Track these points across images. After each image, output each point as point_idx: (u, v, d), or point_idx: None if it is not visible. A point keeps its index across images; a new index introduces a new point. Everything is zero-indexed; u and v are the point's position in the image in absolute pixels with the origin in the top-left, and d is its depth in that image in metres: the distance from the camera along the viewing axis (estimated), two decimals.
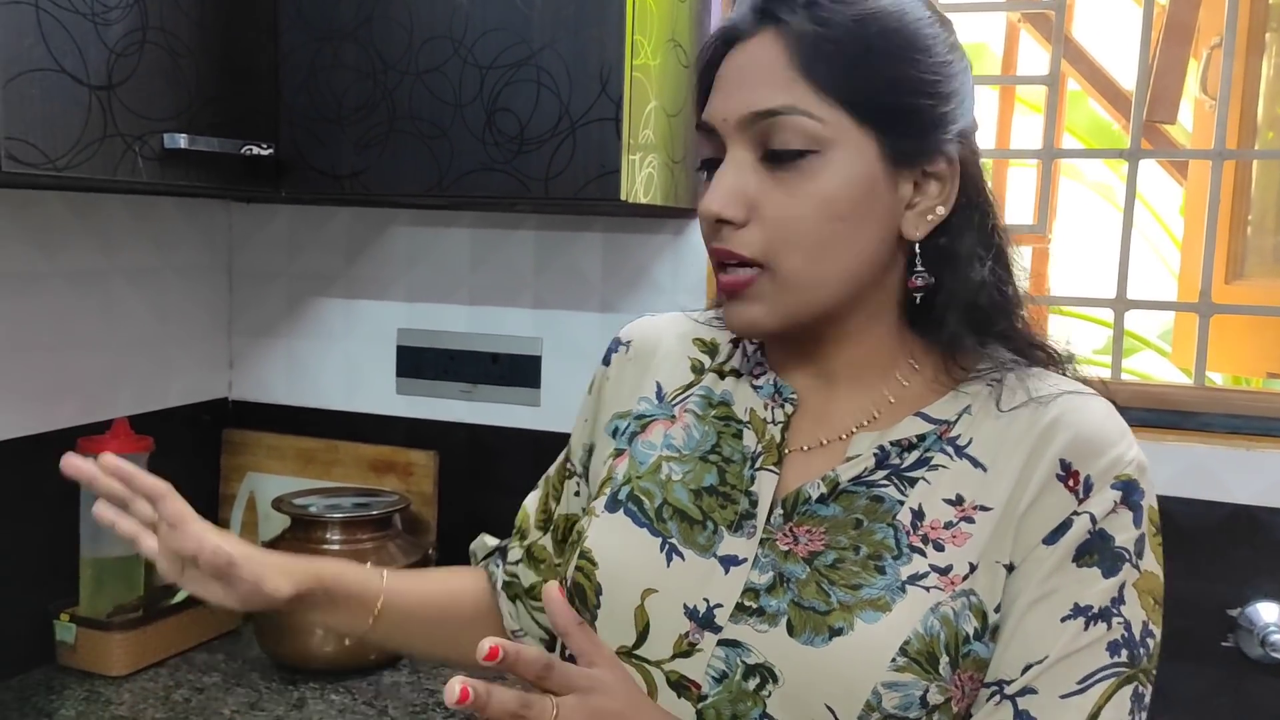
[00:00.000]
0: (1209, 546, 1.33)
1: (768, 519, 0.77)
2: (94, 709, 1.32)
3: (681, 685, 0.75)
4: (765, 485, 0.79)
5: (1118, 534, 0.72)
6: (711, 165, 0.78)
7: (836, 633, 0.71)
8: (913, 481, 0.76)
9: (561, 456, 0.99)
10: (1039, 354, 0.80)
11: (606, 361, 0.95)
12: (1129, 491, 0.73)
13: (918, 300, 0.78)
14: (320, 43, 1.31)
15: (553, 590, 0.74)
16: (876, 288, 0.78)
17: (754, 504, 0.78)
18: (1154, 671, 0.73)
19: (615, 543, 0.81)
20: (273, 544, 1.49)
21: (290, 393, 1.75)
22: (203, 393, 1.72)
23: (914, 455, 0.77)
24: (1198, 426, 1.39)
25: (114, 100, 1.10)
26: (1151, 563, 0.74)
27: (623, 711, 0.72)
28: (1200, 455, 1.34)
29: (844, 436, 0.79)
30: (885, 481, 0.76)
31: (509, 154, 1.25)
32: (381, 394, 1.70)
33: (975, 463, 0.75)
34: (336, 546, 1.45)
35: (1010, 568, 0.73)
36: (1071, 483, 0.73)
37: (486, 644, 0.66)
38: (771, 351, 0.85)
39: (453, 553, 1.63)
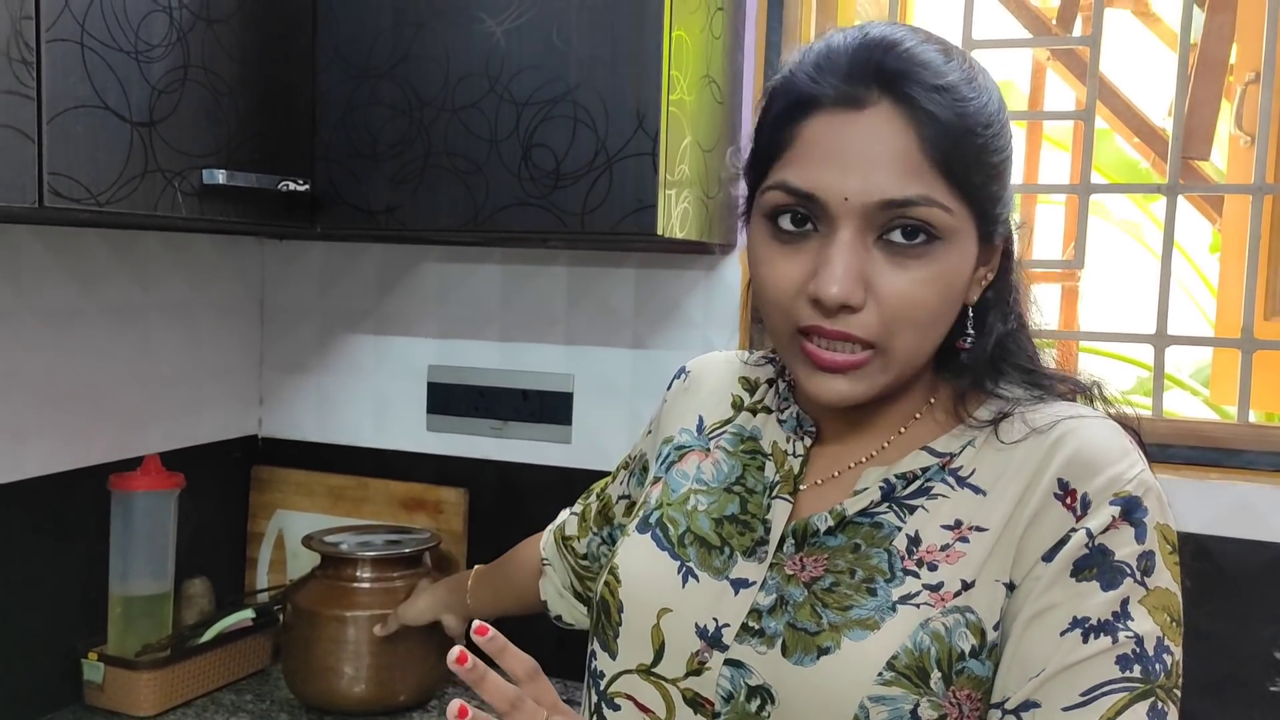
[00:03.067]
0: (1254, 587, 1.30)
1: (780, 547, 0.80)
2: None
3: (697, 703, 0.78)
4: (779, 513, 0.82)
5: (1118, 549, 0.72)
6: (782, 215, 0.75)
7: (824, 652, 0.73)
8: (912, 509, 0.77)
9: (625, 460, 1.09)
10: (1060, 386, 0.81)
11: (670, 387, 1.01)
12: (1129, 508, 0.72)
13: (964, 356, 0.81)
14: (357, 80, 1.32)
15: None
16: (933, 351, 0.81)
17: (768, 531, 0.82)
18: (1177, 691, 0.72)
19: (639, 563, 0.85)
20: (302, 582, 1.48)
21: (320, 429, 1.75)
22: (233, 429, 1.72)
23: (915, 485, 0.78)
24: (1241, 464, 1.37)
25: (155, 136, 1.11)
26: (1165, 579, 0.73)
27: None
28: (1244, 493, 1.31)
29: (852, 465, 0.82)
30: (886, 509, 0.78)
31: (545, 189, 1.25)
32: (412, 431, 1.69)
33: (976, 490, 0.76)
34: (367, 585, 1.43)
35: (1011, 586, 0.73)
36: (1069, 500, 0.73)
37: (456, 650, 0.68)
38: (801, 393, 0.88)
39: None
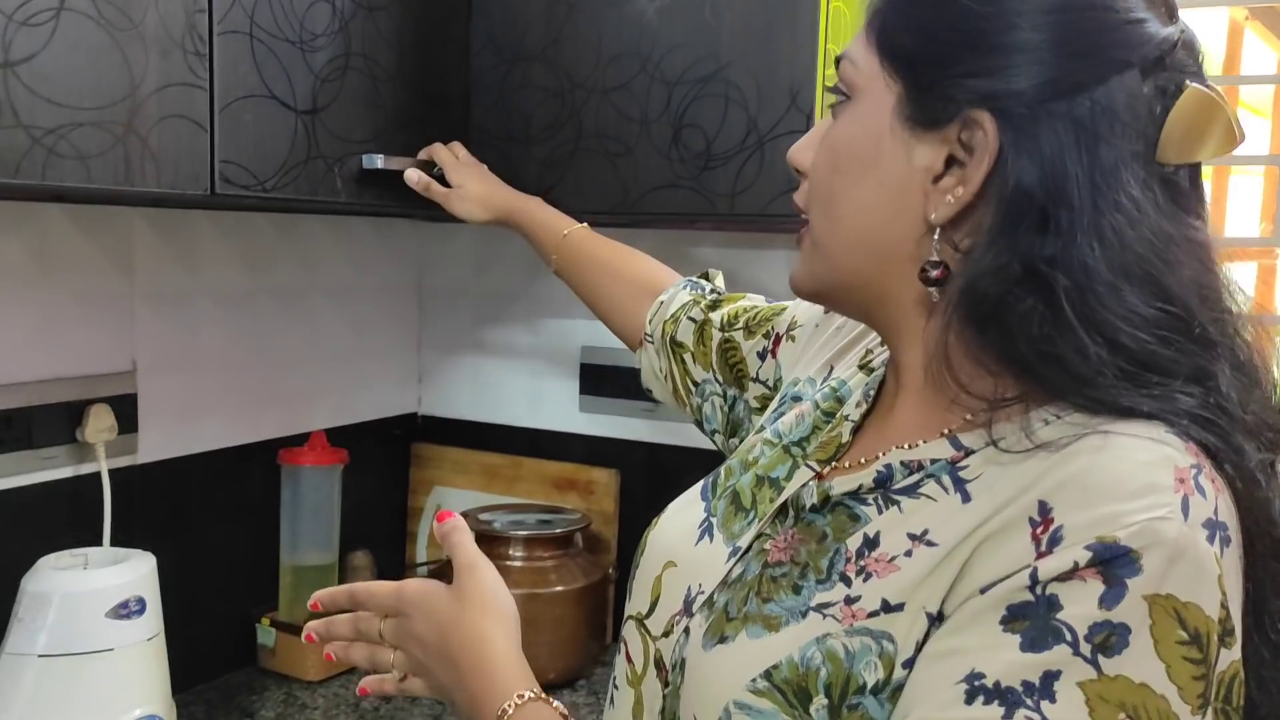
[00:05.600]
0: None
1: (781, 518, 0.72)
2: (291, 712, 1.37)
3: (659, 665, 0.74)
4: (797, 480, 0.73)
5: (1069, 604, 0.53)
6: None
7: (723, 640, 0.67)
8: (893, 503, 0.65)
9: (775, 313, 1.00)
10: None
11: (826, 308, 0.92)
12: (1110, 558, 0.53)
13: (934, 295, 0.65)
14: (510, 64, 1.33)
15: (441, 517, 0.79)
16: (903, 274, 0.66)
17: None
18: None
19: (678, 509, 0.81)
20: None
21: (476, 408, 1.78)
22: (393, 407, 1.78)
23: (913, 479, 0.65)
24: None
25: (317, 124, 1.15)
26: (1147, 671, 0.52)
27: (424, 637, 0.75)
28: None
29: (881, 454, 0.68)
30: (871, 500, 0.66)
31: (695, 170, 1.23)
32: (564, 411, 1.70)
33: (965, 496, 0.62)
34: (519, 563, 1.46)
35: (940, 618, 0.59)
36: (1041, 529, 0.56)
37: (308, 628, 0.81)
38: None
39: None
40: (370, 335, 1.72)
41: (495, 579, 0.76)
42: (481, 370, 1.78)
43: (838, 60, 0.70)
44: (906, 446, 0.67)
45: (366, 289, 1.71)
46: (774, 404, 0.91)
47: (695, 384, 1.06)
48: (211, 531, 1.46)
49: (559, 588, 1.45)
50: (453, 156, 1.29)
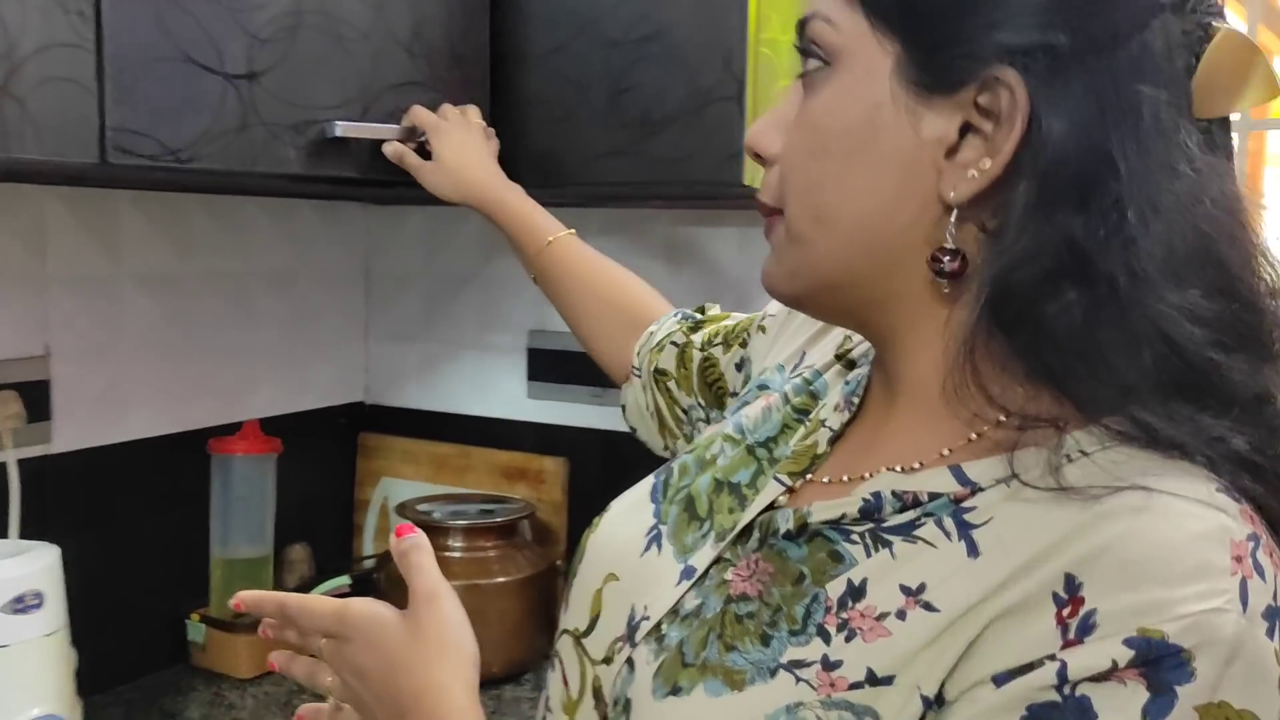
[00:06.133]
0: None
1: (745, 539, 0.63)
2: (217, 713, 1.32)
3: (598, 695, 0.65)
4: (764, 496, 0.64)
5: (1105, 713, 0.46)
6: None
7: (675, 691, 0.58)
8: (883, 544, 0.56)
9: (750, 321, 0.92)
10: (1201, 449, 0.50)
11: None
12: (1156, 659, 0.45)
13: (945, 287, 0.56)
14: None
15: (400, 531, 0.71)
16: (911, 268, 0.57)
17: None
18: None
19: (623, 511, 0.73)
20: None
21: (425, 396, 1.73)
22: (339, 396, 1.72)
23: (907, 516, 0.56)
24: None
25: (257, 89, 1.05)
26: None
27: (366, 670, 0.66)
28: None
29: (869, 475, 0.59)
30: (858, 537, 0.57)
31: (635, 136, 1.17)
32: (513, 398, 1.65)
33: (971, 547, 0.52)
34: (458, 554, 1.40)
35: (938, 702, 0.50)
36: (1068, 610, 0.47)
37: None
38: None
39: None
40: (314, 322, 1.66)
41: (457, 614, 0.66)
42: (431, 357, 1.72)
43: (803, 22, 0.59)
44: (900, 469, 0.58)
45: (309, 274, 1.65)
46: (742, 394, 0.82)
47: (684, 411, 0.98)
48: (137, 524, 1.39)
49: (501, 579, 1.39)
50: (437, 121, 1.14)
